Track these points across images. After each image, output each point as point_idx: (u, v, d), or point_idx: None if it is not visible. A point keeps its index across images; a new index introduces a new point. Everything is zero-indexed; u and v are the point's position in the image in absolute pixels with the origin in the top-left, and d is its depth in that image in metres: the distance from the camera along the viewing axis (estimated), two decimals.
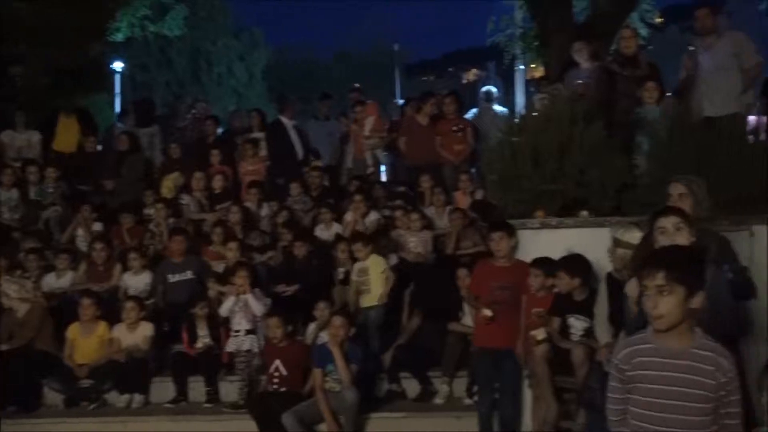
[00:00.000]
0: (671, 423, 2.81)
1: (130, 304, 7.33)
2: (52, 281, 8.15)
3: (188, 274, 7.95)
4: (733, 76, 7.07)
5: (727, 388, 2.81)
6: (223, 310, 7.15)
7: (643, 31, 12.14)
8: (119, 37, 16.23)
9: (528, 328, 5.57)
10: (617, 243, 5.12)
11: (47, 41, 11.42)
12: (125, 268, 8.10)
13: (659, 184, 5.07)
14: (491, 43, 14.17)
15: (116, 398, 7.07)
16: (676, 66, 8.02)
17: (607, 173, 5.91)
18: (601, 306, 5.28)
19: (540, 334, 5.39)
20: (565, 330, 5.50)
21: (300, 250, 7.90)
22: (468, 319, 6.69)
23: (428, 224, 8.30)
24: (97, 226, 9.18)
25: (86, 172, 10.34)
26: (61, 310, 7.71)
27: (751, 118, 7.23)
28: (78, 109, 11.25)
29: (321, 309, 6.99)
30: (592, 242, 5.47)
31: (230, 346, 7.07)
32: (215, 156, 10.15)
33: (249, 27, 33.74)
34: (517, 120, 6.62)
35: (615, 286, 5.22)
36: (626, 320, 4.33)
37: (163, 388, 7.13)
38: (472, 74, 55.75)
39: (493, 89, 11.40)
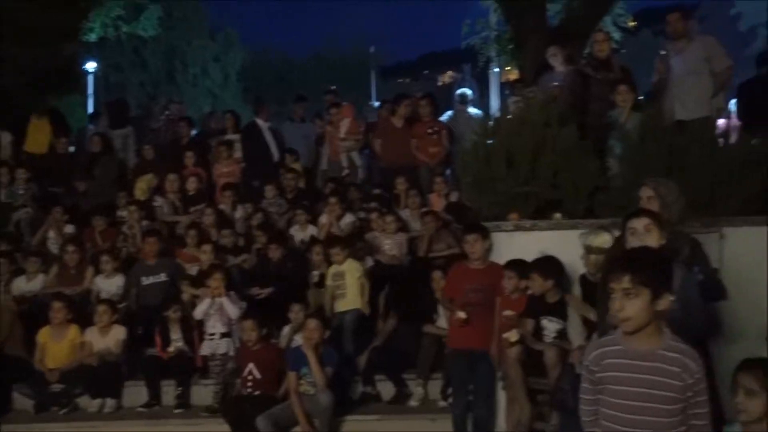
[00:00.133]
0: (639, 424, 2.84)
1: (102, 308, 7.25)
2: (22, 284, 8.04)
3: (162, 277, 7.89)
4: (704, 79, 7.15)
5: (695, 389, 2.83)
6: (198, 312, 7.10)
7: (616, 35, 12.25)
8: (92, 37, 16.05)
9: (501, 330, 5.60)
10: (589, 249, 5.16)
11: (19, 41, 11.26)
12: (97, 271, 8.02)
13: (631, 187, 5.12)
14: (466, 45, 14.23)
15: (88, 403, 7.00)
16: (649, 69, 8.11)
17: (579, 176, 5.96)
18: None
19: (513, 336, 5.41)
20: (538, 332, 5.53)
21: (275, 252, 7.87)
22: (443, 321, 6.70)
23: (403, 226, 8.31)
24: (69, 229, 9.07)
25: (58, 174, 10.24)
26: (31, 314, 7.62)
27: (721, 122, 7.33)
28: (50, 110, 11.13)
29: (295, 312, 6.96)
30: (566, 244, 5.51)
31: (205, 349, 7.02)
32: (189, 158, 10.09)
33: (224, 28, 33.52)
34: (491, 122, 6.63)
35: (588, 287, 5.27)
36: (599, 322, 4.36)
37: (135, 392, 7.07)
38: (447, 76, 55.91)
39: (468, 92, 11.46)
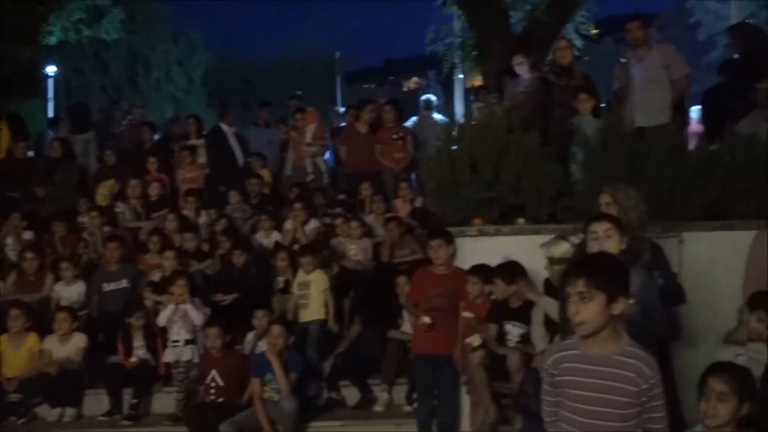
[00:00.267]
0: (595, 427, 2.87)
1: (62, 315, 7.13)
2: None
3: (123, 283, 7.79)
4: (663, 87, 7.26)
5: (649, 394, 2.86)
6: (161, 319, 7.02)
7: (579, 43, 12.39)
8: (52, 40, 15.80)
9: (465, 335, 5.62)
10: (552, 261, 5.21)
11: None
12: (57, 278, 7.88)
13: (593, 193, 5.18)
14: (430, 51, 14.28)
15: (47, 412, 6.88)
16: (610, 77, 8.23)
17: (543, 181, 6.02)
18: (538, 312, 5.37)
19: (475, 340, 5.44)
20: (501, 336, 5.57)
21: (239, 258, 7.82)
22: (407, 327, 6.71)
23: (368, 232, 8.31)
24: (28, 235, 8.92)
25: (16, 179, 10.03)
26: None
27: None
28: (8, 114, 10.92)
29: (259, 318, 6.92)
30: (529, 249, 5.55)
31: (168, 356, 6.94)
32: (152, 163, 9.99)
33: (187, 32, 33.25)
34: (455, 128, 6.68)
35: (552, 292, 5.31)
36: (560, 325, 4.41)
37: (96, 401, 6.95)
38: (412, 82, 56.20)
39: (433, 98, 11.51)
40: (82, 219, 9.20)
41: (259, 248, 8.33)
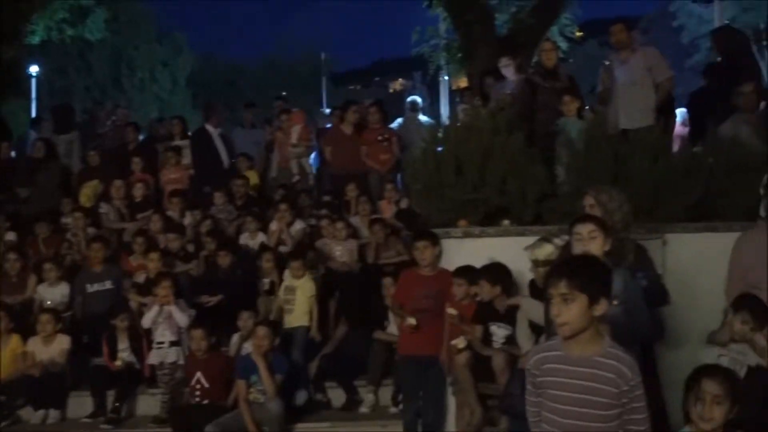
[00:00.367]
0: (576, 428, 2.89)
1: (45, 317, 7.08)
2: None
3: (107, 284, 7.75)
4: (646, 89, 7.31)
5: (630, 395, 2.88)
6: (146, 321, 6.98)
7: (563, 45, 12.44)
8: (35, 40, 15.69)
9: (451, 336, 5.63)
10: (536, 263, 5.23)
11: None
12: (40, 279, 7.83)
13: (578, 194, 5.21)
14: (416, 53, 14.30)
15: (31, 414, 6.82)
16: (595, 79, 8.28)
17: (527, 183, 6.04)
18: (523, 313, 5.38)
19: (461, 342, 5.46)
20: (487, 337, 5.58)
21: (224, 259, 7.80)
22: (393, 328, 6.71)
23: (354, 233, 8.31)
24: (11, 236, 8.85)
25: None
26: None
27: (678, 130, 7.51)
28: None
29: (244, 319, 6.90)
30: (514, 251, 5.57)
31: (153, 358, 6.90)
32: (136, 164, 9.94)
33: (172, 32, 33.11)
34: (440, 130, 6.69)
35: (537, 293, 5.33)
36: (546, 326, 4.43)
37: (80, 403, 6.91)
38: (398, 84, 56.29)
39: (418, 99, 11.55)
40: (66, 220, 9.14)
41: (245, 249, 8.30)
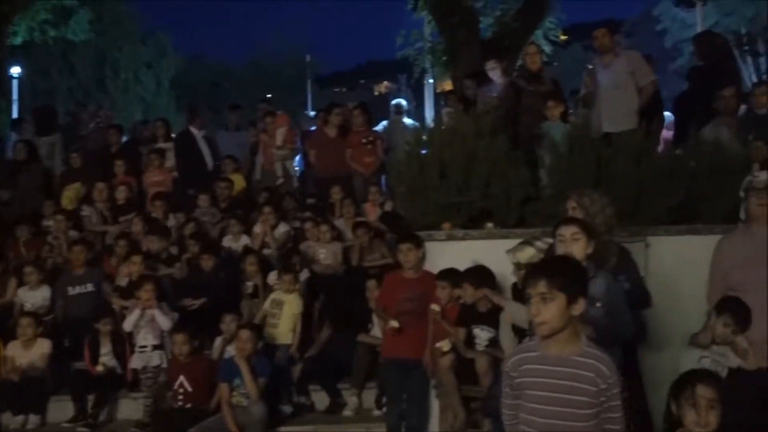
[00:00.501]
0: (555, 428, 2.91)
1: (25, 321, 7.01)
2: None
3: (89, 287, 7.69)
4: (629, 93, 7.35)
5: (607, 394, 2.91)
6: (127, 324, 6.92)
7: (547, 48, 12.50)
8: (17, 40, 15.57)
9: (434, 339, 5.64)
10: (518, 266, 5.24)
11: None
12: (21, 283, 7.75)
13: (561, 197, 5.23)
14: (401, 56, 14.32)
15: (10, 419, 6.74)
16: (579, 82, 8.32)
17: (511, 186, 6.06)
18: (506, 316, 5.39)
19: (445, 345, 5.46)
20: (470, 340, 5.59)
21: (207, 262, 7.75)
22: (377, 331, 6.71)
23: (338, 236, 8.30)
24: None
25: None
26: None
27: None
28: None
29: (227, 322, 6.86)
30: (498, 253, 5.57)
31: (136, 362, 6.84)
32: (119, 166, 9.88)
33: (156, 33, 32.94)
34: (425, 133, 6.70)
35: (519, 296, 5.34)
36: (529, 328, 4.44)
37: (61, 408, 6.83)
38: (383, 86, 56.33)
39: (403, 102, 11.55)
40: (47, 222, 9.07)
41: (228, 252, 8.27)
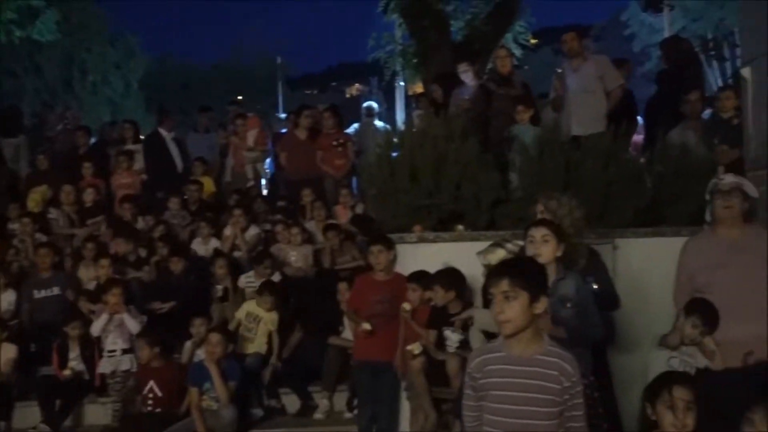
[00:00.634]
0: (520, 427, 2.93)
1: None
2: None
3: (55, 290, 7.60)
4: (598, 97, 7.45)
5: (571, 392, 2.95)
6: (95, 329, 6.85)
7: (518, 52, 12.58)
8: None
9: (405, 341, 5.64)
10: (489, 268, 5.24)
11: None
12: None
13: (531, 200, 5.27)
14: (372, 58, 14.31)
15: None
16: (549, 86, 8.39)
17: (481, 189, 6.09)
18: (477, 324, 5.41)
19: (416, 348, 5.47)
20: (441, 342, 5.60)
21: (176, 265, 7.69)
22: (348, 333, 6.70)
23: (309, 238, 8.29)
24: None
25: None
26: None
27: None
28: None
29: (197, 326, 6.82)
30: (468, 256, 5.59)
31: (105, 367, 6.77)
32: (87, 168, 9.76)
33: (125, 34, 32.57)
34: (395, 136, 6.71)
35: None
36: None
37: (27, 414, 6.73)
38: (355, 89, 56.27)
39: (374, 105, 11.58)
40: (13, 226, 8.93)
41: (197, 255, 8.20)
